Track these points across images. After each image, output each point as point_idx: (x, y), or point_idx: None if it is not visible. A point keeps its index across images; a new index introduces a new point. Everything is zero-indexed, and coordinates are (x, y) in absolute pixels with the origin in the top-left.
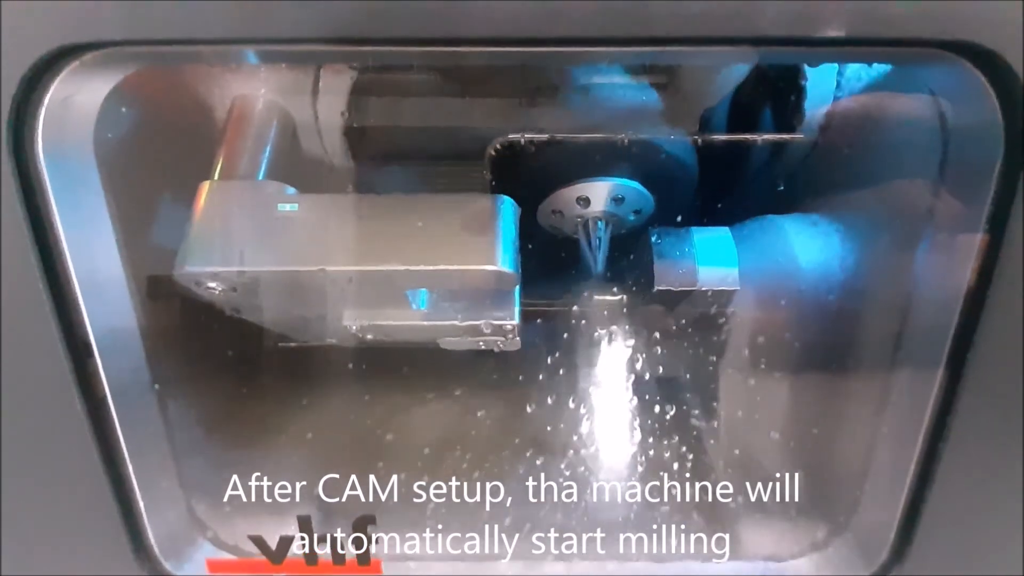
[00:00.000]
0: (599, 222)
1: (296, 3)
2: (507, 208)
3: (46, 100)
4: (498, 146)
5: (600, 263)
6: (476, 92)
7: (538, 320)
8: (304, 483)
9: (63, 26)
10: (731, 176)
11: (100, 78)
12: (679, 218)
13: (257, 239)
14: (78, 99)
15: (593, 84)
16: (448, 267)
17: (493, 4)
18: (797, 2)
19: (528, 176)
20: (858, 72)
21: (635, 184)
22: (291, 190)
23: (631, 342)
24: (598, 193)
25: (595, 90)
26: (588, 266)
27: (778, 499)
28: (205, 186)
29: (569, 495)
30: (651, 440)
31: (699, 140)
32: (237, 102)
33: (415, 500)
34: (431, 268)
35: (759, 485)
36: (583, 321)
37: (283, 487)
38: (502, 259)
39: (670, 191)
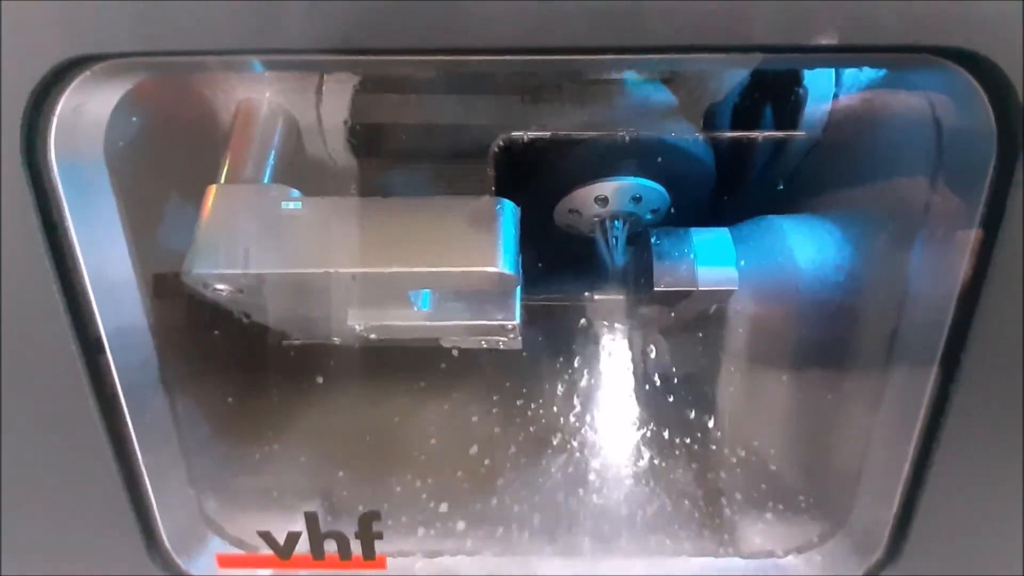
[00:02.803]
0: (616, 221)
1: (300, 14)
2: (508, 210)
3: (57, 110)
4: (501, 143)
5: (618, 262)
6: (480, 89)
7: (540, 320)
8: (312, 479)
9: (73, 38)
10: (732, 176)
11: (109, 87)
12: (695, 216)
13: (263, 242)
14: (88, 108)
15: (598, 81)
16: (450, 269)
17: (493, 14)
18: (792, 6)
19: (532, 175)
20: (855, 73)
21: (654, 184)
22: (296, 193)
23: (631, 341)
24: (617, 193)
25: (600, 87)
26: (588, 265)
27: (774, 497)
28: (212, 189)
29: (569, 493)
30: (650, 439)
31: (702, 137)
32: (242, 106)
33: (421, 496)
34: (433, 270)
35: (756, 483)
36: (583, 320)
37: (291, 483)
38: (503, 261)
39: (688, 190)
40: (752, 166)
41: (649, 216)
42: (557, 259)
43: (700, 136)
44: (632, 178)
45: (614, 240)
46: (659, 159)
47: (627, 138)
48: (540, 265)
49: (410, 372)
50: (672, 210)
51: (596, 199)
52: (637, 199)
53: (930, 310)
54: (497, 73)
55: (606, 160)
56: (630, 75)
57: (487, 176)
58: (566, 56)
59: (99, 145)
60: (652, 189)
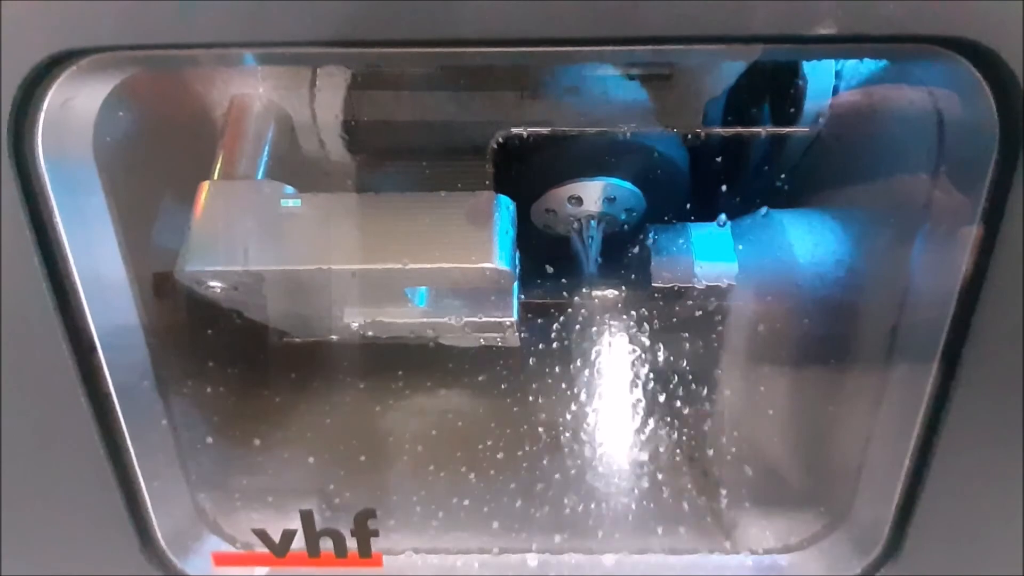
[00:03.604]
0: (591, 221)
1: (292, 6)
2: (505, 206)
3: (45, 105)
4: (500, 140)
5: (593, 262)
6: (476, 86)
7: (537, 316)
8: (307, 477)
9: (60, 32)
10: (730, 171)
11: (98, 82)
12: (674, 216)
13: (257, 238)
14: (76, 103)
15: (593, 78)
16: (446, 265)
17: (487, 5)
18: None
19: (530, 172)
20: (856, 66)
21: (626, 184)
22: (290, 189)
23: (628, 338)
24: (590, 193)
25: (596, 84)
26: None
27: (773, 494)
28: (204, 186)
29: (568, 490)
30: (648, 436)
31: (702, 134)
32: (235, 102)
33: (417, 493)
34: (429, 266)
35: (755, 480)
36: (581, 317)
37: (286, 481)
38: (499, 257)
39: (662, 190)
40: (751, 160)
41: (624, 216)
42: (553, 255)
43: (672, 135)
44: (604, 178)
45: (589, 239)
46: (630, 159)
47: (602, 137)
48: (536, 261)
49: (407, 369)
50: (649, 210)
51: (570, 199)
52: (611, 199)
53: (931, 305)
54: (488, 68)
55: (578, 160)
56: (598, 73)
57: (483, 171)
58: (562, 48)
59: (88, 141)
60: (625, 189)
